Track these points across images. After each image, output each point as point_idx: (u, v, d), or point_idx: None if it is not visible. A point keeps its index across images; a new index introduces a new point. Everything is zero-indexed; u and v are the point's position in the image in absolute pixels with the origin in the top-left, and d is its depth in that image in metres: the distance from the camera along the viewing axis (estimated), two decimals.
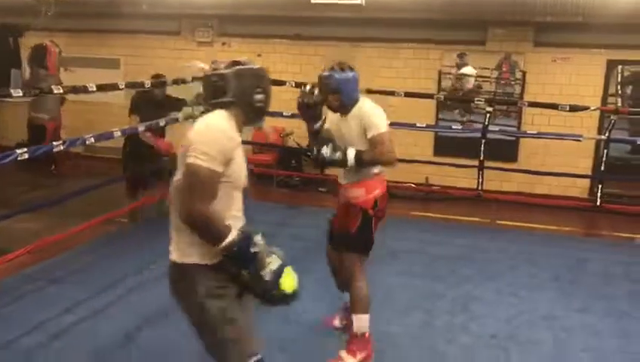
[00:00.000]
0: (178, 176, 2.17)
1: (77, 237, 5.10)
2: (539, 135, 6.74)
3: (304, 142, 8.04)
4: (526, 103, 6.79)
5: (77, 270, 4.81)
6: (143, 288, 4.50)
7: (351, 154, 3.24)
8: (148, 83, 5.63)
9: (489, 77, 7.72)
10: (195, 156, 2.05)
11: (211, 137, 2.10)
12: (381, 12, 7.29)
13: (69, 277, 4.67)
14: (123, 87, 5.34)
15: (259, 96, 2.27)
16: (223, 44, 8.46)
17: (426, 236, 5.95)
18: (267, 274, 2.16)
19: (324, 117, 3.41)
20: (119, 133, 5.21)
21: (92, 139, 4.86)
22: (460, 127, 7.25)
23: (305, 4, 7.04)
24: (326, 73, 3.31)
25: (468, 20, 7.46)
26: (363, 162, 3.25)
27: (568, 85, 7.27)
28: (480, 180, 6.50)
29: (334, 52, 7.89)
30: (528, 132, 7.10)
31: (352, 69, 3.35)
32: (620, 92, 8.47)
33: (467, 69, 7.73)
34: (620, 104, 7.69)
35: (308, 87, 3.35)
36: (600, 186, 6.14)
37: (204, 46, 8.49)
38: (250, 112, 2.28)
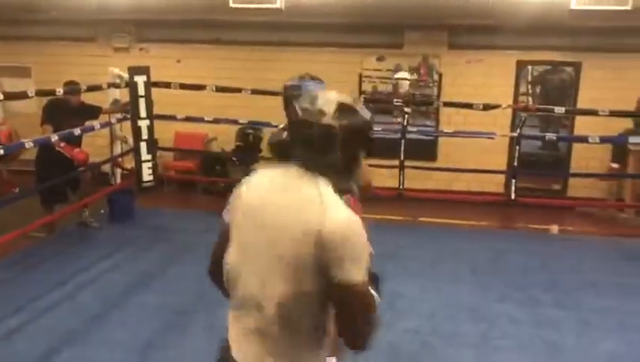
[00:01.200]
0: (284, 280, 1.51)
1: None
2: (455, 134, 6.97)
3: (228, 147, 8.01)
4: (442, 103, 7.01)
5: None
6: (60, 305, 4.33)
7: None
8: (60, 90, 5.42)
9: (408, 79, 7.93)
10: (361, 272, 1.49)
11: (362, 239, 1.51)
12: (300, 16, 7.34)
13: None
14: (33, 94, 5.11)
15: (360, 153, 1.65)
16: (141, 49, 8.26)
17: None
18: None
19: None
20: (31, 144, 4.99)
21: (1, 151, 4.63)
22: (379, 129, 7.36)
23: (224, 8, 6.98)
24: (295, 82, 2.92)
25: (385, 24, 7.63)
26: None
27: (482, 85, 7.56)
28: (401, 179, 6.65)
29: (256, 55, 7.92)
30: (445, 131, 7.34)
31: (321, 80, 3.01)
32: (530, 91, 8.91)
33: (402, 74, 7.90)
34: (530, 102, 8.09)
35: (284, 128, 2.91)
36: (514, 181, 6.42)
37: (121, 52, 8.26)
38: (344, 175, 1.64)
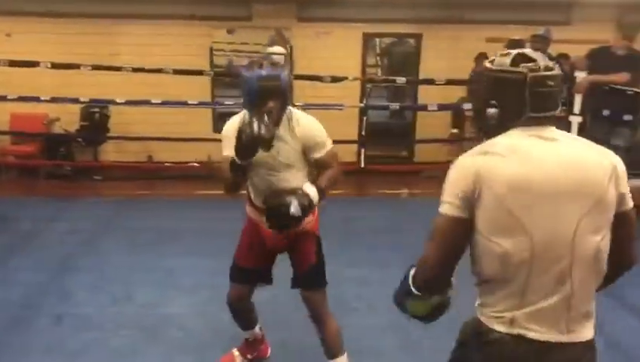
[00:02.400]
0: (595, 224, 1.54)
1: None
2: (305, 106, 7.07)
3: (73, 128, 7.52)
4: (292, 76, 7.06)
5: None
6: None
7: (313, 193, 2.58)
8: None
9: (260, 52, 7.89)
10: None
11: None
12: None
13: None
14: None
15: None
16: None
17: (209, 213, 5.95)
18: None
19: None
20: None
21: None
22: (232, 103, 7.28)
23: None
24: (271, 72, 2.56)
25: None
26: (324, 194, 2.65)
27: (332, 58, 7.71)
28: None
29: (97, 29, 7.45)
30: (297, 104, 7.43)
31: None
32: (379, 63, 9.26)
33: (276, 48, 7.80)
34: (380, 74, 8.44)
35: (255, 118, 2.42)
36: (363, 150, 6.70)
37: None
38: None
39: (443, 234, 1.61)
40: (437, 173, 7.84)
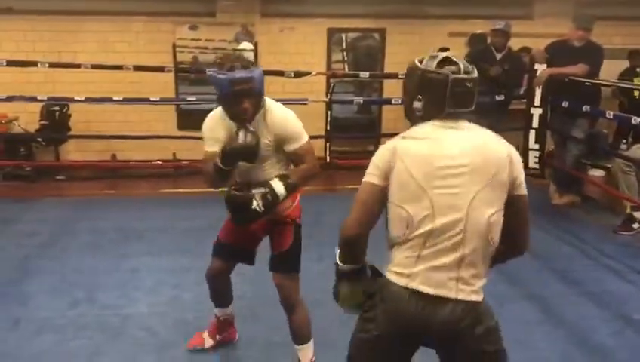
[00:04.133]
0: (491, 205, 1.80)
1: None
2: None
3: (33, 127, 7.34)
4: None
5: None
6: None
7: (279, 188, 2.65)
8: None
9: (226, 48, 7.84)
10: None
11: None
12: None
13: None
14: None
15: None
16: None
17: (174, 212, 5.90)
18: None
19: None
20: None
21: None
22: (194, 99, 7.19)
23: None
24: (244, 74, 2.50)
25: None
26: (294, 189, 2.74)
27: (296, 54, 7.71)
28: None
29: (57, 26, 7.31)
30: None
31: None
32: (345, 58, 9.25)
33: (245, 45, 7.75)
34: (346, 69, 8.43)
35: (242, 130, 2.52)
36: (328, 145, 6.69)
37: None
38: None
39: (361, 197, 1.89)
40: None
